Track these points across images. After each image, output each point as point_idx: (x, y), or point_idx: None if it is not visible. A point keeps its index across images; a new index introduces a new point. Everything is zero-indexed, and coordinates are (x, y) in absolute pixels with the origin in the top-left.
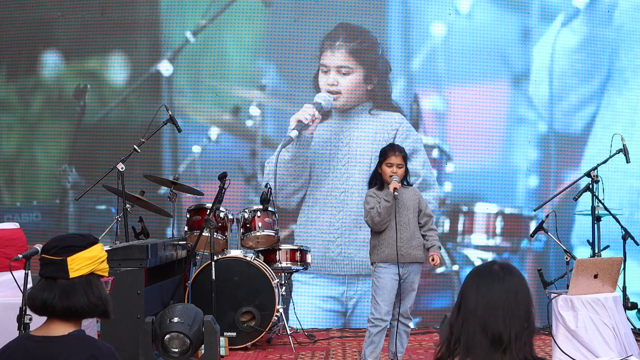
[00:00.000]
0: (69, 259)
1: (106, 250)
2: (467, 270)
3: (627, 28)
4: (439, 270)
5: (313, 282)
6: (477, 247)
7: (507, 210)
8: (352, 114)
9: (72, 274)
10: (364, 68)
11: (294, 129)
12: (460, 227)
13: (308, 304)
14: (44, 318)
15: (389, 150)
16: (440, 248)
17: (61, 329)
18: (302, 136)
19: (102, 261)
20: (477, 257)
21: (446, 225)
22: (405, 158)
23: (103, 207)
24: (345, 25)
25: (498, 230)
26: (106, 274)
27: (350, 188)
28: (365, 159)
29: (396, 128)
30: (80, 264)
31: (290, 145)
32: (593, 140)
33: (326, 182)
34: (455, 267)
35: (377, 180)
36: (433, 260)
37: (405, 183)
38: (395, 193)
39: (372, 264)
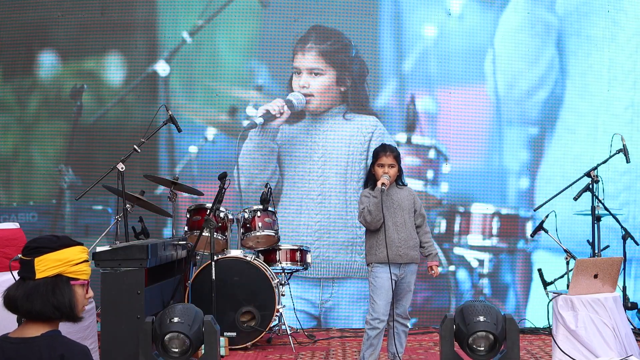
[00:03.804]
0: (36, 259)
1: (106, 251)
2: (463, 270)
3: (586, 33)
4: None
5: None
6: (473, 248)
7: (504, 211)
8: (326, 117)
9: (38, 275)
10: (335, 70)
11: (260, 116)
12: (456, 227)
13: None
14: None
15: (380, 151)
16: (437, 255)
17: (35, 330)
18: (267, 126)
19: (75, 264)
20: (473, 258)
21: (442, 226)
22: (397, 158)
23: (100, 207)
24: (317, 27)
25: (494, 231)
26: (82, 277)
27: (327, 191)
28: (341, 162)
29: (371, 132)
30: (46, 265)
31: (255, 135)
32: (556, 143)
33: (302, 184)
34: (452, 268)
35: (370, 181)
36: (432, 269)
37: (400, 183)
38: (383, 187)
39: (368, 265)
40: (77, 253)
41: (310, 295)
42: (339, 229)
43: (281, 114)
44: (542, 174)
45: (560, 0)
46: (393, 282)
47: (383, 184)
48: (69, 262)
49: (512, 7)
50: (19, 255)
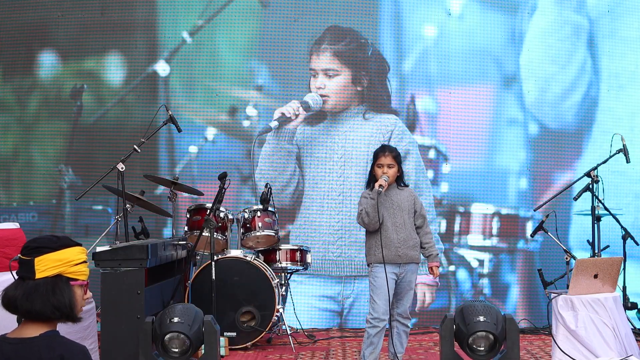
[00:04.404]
0: (36, 259)
1: (106, 251)
2: (463, 270)
3: (621, 34)
4: None
5: (309, 282)
6: (473, 248)
7: (504, 211)
8: (346, 117)
9: (38, 275)
10: (351, 69)
11: (275, 120)
12: (456, 227)
13: (303, 304)
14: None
15: (379, 152)
16: (438, 255)
17: (33, 330)
18: (283, 129)
19: (75, 264)
20: (473, 258)
21: (443, 226)
22: (396, 158)
23: (100, 207)
24: (333, 28)
25: (494, 231)
26: (81, 278)
27: (348, 190)
28: (361, 161)
29: (391, 130)
30: (46, 265)
31: (271, 138)
32: (593, 145)
33: (323, 184)
34: (452, 268)
35: (372, 182)
36: (432, 270)
37: (402, 184)
38: (380, 189)
39: (368, 265)
40: (76, 254)
41: (333, 293)
42: (360, 228)
43: (296, 116)
44: (579, 175)
45: (593, 2)
46: (392, 281)
47: (380, 185)
48: (69, 262)
49: (540, 10)
50: (18, 256)
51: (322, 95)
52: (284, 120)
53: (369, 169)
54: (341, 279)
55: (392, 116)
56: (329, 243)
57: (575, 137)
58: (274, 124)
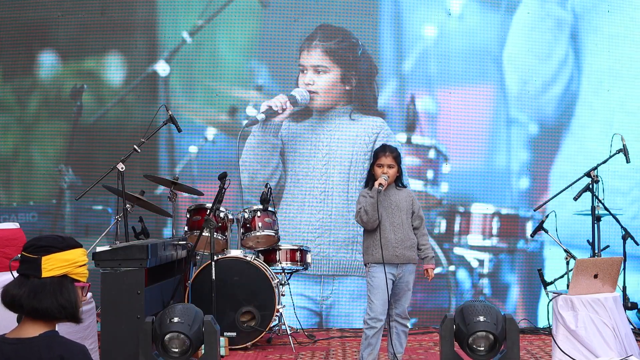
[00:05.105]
0: (43, 258)
1: (106, 251)
2: (463, 270)
3: (604, 31)
4: (436, 270)
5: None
6: (473, 248)
7: (504, 211)
8: (332, 116)
9: (45, 274)
10: (340, 68)
11: (262, 112)
12: (456, 227)
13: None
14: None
15: (380, 152)
16: (433, 257)
17: (32, 330)
18: (269, 122)
19: (80, 266)
20: (473, 258)
21: (442, 226)
22: (397, 158)
23: (100, 207)
24: (324, 26)
25: (494, 231)
26: (83, 280)
27: (330, 189)
28: (345, 162)
29: (377, 132)
30: (53, 264)
31: (257, 130)
32: (571, 139)
33: (305, 181)
34: (452, 268)
35: (371, 182)
36: (427, 272)
37: (400, 185)
38: (380, 188)
39: (365, 265)
40: (80, 255)
41: (311, 293)
42: (340, 227)
43: (283, 109)
44: (556, 169)
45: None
46: (390, 281)
47: (380, 184)
48: (74, 263)
49: (523, 3)
50: (20, 254)
51: (310, 92)
52: (270, 113)
53: (351, 169)
54: (320, 277)
55: (378, 119)
56: (307, 240)
57: (554, 131)
58: (260, 116)
